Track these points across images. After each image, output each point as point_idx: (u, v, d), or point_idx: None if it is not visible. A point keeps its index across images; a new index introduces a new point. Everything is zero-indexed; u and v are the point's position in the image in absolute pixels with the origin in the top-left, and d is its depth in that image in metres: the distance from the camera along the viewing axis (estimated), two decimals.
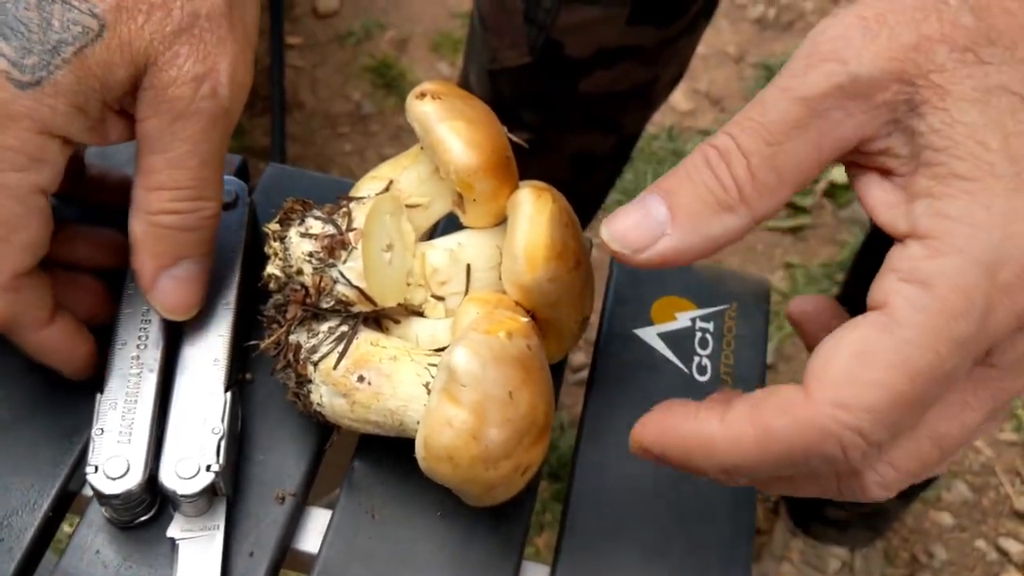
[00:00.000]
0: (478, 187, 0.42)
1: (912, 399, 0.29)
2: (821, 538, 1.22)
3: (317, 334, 0.42)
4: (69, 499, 0.44)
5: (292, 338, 0.42)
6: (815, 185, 1.76)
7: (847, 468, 0.31)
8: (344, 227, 0.41)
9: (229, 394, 0.43)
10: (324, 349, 0.41)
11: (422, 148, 0.44)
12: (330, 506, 0.45)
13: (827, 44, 0.31)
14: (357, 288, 0.41)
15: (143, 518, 0.42)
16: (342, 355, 0.41)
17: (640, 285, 0.53)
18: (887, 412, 0.29)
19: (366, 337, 0.42)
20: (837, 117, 0.31)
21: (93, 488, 0.40)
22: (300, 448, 0.45)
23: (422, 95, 0.43)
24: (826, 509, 1.19)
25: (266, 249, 0.42)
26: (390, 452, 0.45)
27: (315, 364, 0.41)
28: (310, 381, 0.42)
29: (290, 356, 0.42)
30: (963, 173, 0.30)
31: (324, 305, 0.41)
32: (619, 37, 0.86)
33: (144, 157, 0.40)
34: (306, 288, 0.41)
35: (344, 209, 0.42)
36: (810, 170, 0.32)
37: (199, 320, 0.45)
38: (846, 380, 0.30)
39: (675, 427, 0.33)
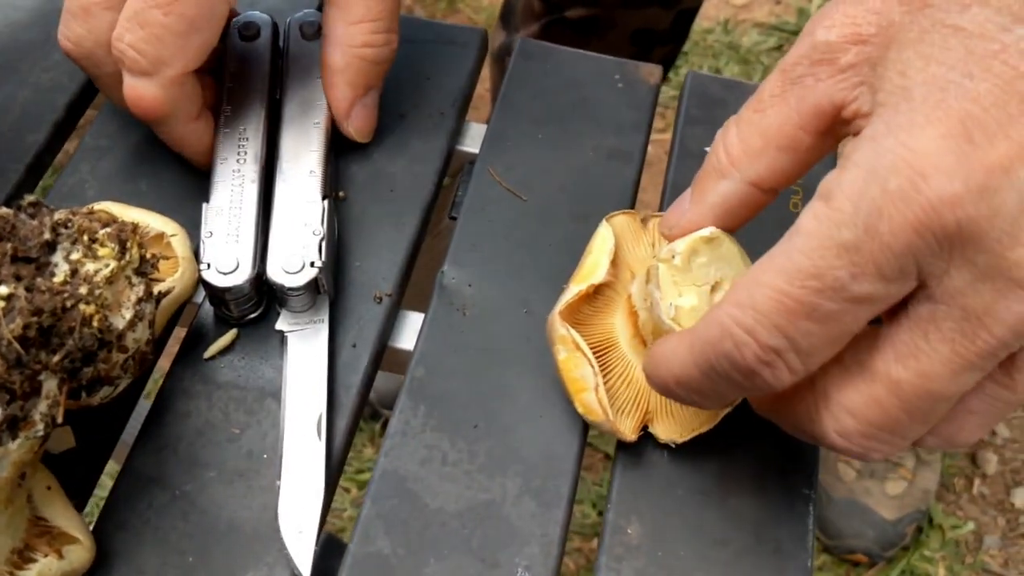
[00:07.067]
0: None
1: (799, 302, 0.30)
2: None
3: None
4: None
5: None
6: None
7: (747, 370, 0.32)
8: None
9: (326, 202, 0.46)
10: None
11: None
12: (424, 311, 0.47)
13: (814, 18, 0.34)
14: None
15: (252, 315, 0.45)
16: None
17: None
18: (773, 313, 0.30)
19: None
20: (809, 83, 0.33)
21: (206, 284, 0.43)
22: (393, 256, 0.48)
23: None
24: None
25: None
26: (479, 259, 0.47)
27: None
28: None
29: None
30: (883, 100, 0.30)
31: None
32: None
33: None
34: None
35: None
36: (791, 132, 0.34)
37: (293, 138, 0.47)
38: (745, 282, 0.31)
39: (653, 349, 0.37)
